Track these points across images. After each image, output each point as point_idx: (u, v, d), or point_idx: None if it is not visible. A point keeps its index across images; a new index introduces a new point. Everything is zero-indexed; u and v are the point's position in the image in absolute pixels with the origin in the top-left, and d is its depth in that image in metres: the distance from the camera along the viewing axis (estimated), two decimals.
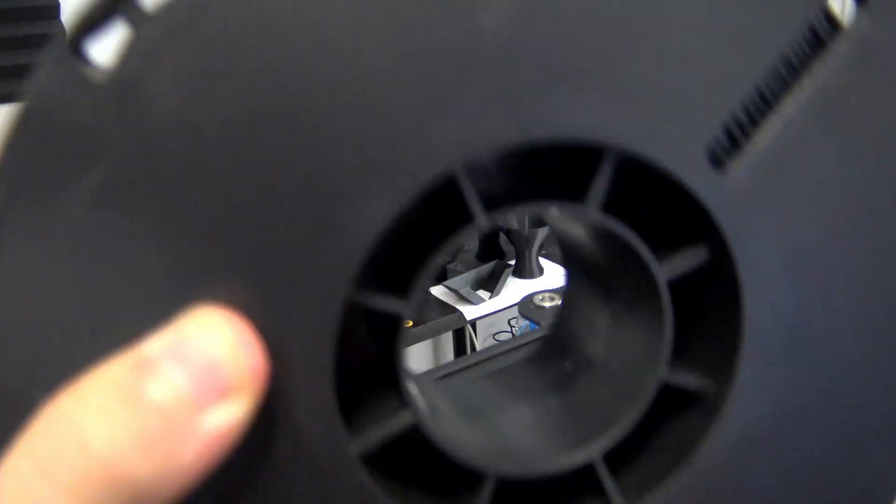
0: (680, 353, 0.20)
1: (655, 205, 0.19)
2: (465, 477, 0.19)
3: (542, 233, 1.14)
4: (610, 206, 0.18)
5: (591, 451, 0.20)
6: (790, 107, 0.18)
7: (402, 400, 0.18)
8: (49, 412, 0.14)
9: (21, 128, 0.14)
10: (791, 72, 0.18)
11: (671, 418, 0.21)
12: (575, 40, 0.16)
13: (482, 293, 1.16)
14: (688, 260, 0.19)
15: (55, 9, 1.53)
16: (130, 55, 0.14)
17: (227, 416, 0.15)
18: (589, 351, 0.23)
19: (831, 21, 0.18)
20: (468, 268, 1.21)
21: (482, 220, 0.17)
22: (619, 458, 0.21)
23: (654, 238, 0.19)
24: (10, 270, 0.15)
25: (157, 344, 0.14)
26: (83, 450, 0.14)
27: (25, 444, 0.14)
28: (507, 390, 0.24)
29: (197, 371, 0.14)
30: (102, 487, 0.14)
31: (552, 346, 0.25)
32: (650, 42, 0.17)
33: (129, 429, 0.14)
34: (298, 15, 0.14)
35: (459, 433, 0.20)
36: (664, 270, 0.19)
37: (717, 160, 0.18)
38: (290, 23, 0.14)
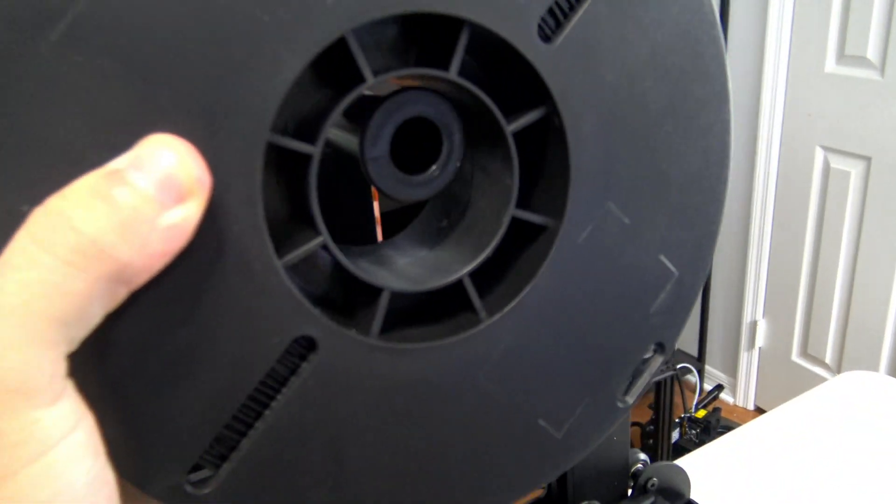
0: (527, 197, 0.26)
1: (503, 76, 0.25)
2: (365, 295, 0.25)
3: None
4: (468, 76, 0.23)
5: (461, 273, 0.26)
6: None
7: (316, 230, 0.23)
8: (40, 209, 0.18)
9: None
10: None
11: (520, 249, 0.27)
12: None
13: None
14: (527, 117, 0.25)
15: None
16: None
17: (183, 214, 0.19)
18: (462, 197, 0.29)
19: None
20: None
21: (370, 79, 0.22)
22: (484, 281, 0.27)
23: (504, 103, 0.25)
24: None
25: (122, 160, 0.18)
26: (75, 231, 0.17)
27: (25, 230, 0.17)
28: (399, 247, 0.30)
29: (157, 178, 0.18)
30: (93, 262, 0.17)
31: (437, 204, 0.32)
32: None
33: (110, 219, 0.17)
34: None
35: (361, 266, 0.25)
36: (510, 126, 0.25)
37: (545, 36, 0.24)
38: None
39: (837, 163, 1.85)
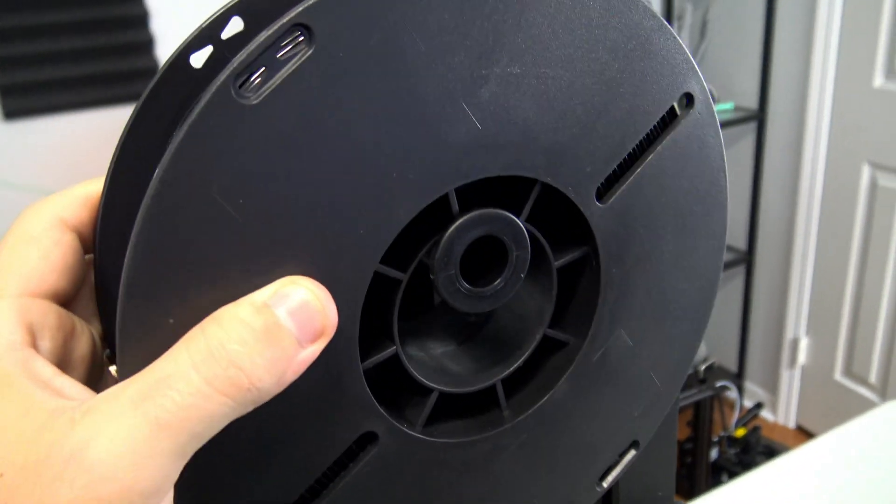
0: (555, 316, 0.31)
1: (558, 219, 0.29)
2: (418, 393, 0.29)
3: None
4: (530, 217, 0.28)
5: (495, 379, 0.30)
6: (639, 166, 0.28)
7: (392, 340, 0.27)
8: (200, 334, 0.20)
9: (190, 139, 0.20)
10: (647, 144, 0.28)
11: (545, 360, 0.32)
12: (532, 130, 0.26)
13: None
14: (571, 255, 0.30)
15: (145, 18, 1.49)
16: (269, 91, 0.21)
17: (315, 350, 0.22)
18: (497, 315, 0.33)
19: (673, 113, 0.29)
20: None
21: (459, 218, 0.26)
22: (512, 386, 0.31)
23: (551, 239, 0.29)
24: None
25: (264, 293, 0.21)
26: (234, 366, 0.20)
27: (186, 354, 0.20)
28: (430, 334, 0.34)
29: (301, 320, 0.21)
30: (243, 393, 0.20)
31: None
32: (582, 129, 0.27)
33: (263, 357, 0.20)
34: None
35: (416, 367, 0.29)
36: (556, 262, 0.29)
37: (600, 196, 0.29)
38: None
39: (885, 180, 1.81)
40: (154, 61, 1.53)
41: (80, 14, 1.47)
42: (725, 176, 0.32)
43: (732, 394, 1.96)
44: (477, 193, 0.27)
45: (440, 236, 0.26)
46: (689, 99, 0.29)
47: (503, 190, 0.28)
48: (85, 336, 0.27)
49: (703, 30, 2.11)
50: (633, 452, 0.34)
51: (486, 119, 0.25)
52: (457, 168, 0.25)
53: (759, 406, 1.94)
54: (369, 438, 0.27)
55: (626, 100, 0.28)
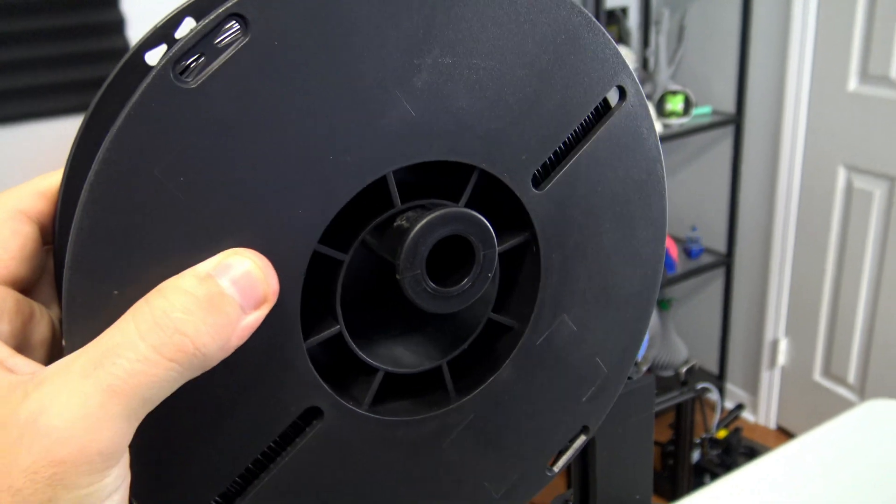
0: (499, 301, 0.32)
1: (498, 207, 0.30)
2: (362, 369, 0.30)
3: None
4: (469, 203, 0.29)
5: (442, 360, 0.31)
6: (575, 155, 0.29)
7: (336, 320, 0.28)
8: (145, 305, 0.21)
9: (131, 120, 0.22)
10: (582, 134, 0.29)
11: (490, 343, 0.33)
12: (466, 118, 0.27)
13: None
14: (512, 241, 0.31)
15: (121, 24, 1.49)
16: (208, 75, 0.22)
17: (258, 316, 0.23)
18: None
19: (606, 105, 0.30)
20: None
21: (398, 205, 0.27)
22: (459, 368, 0.32)
23: (494, 226, 0.30)
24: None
25: (207, 264, 0.22)
26: (179, 333, 0.21)
27: (133, 324, 0.21)
28: (386, 323, 0.35)
29: (243, 287, 0.22)
30: (188, 358, 0.21)
31: None
32: (516, 117, 0.28)
33: (206, 323, 0.21)
34: None
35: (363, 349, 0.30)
36: (498, 245, 0.30)
37: (536, 183, 0.30)
38: None
39: (860, 182, 1.84)
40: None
41: (55, 21, 1.47)
42: (662, 166, 0.33)
43: (713, 395, 1.98)
44: (418, 181, 0.28)
45: (382, 219, 0.27)
46: (621, 92, 0.31)
47: (443, 178, 0.29)
48: (45, 321, 0.28)
49: (680, 35, 2.13)
50: (583, 438, 0.35)
51: (420, 106, 0.26)
52: (393, 153, 0.26)
53: (739, 407, 1.95)
54: (314, 413, 0.28)
55: (557, 91, 0.29)
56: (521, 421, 0.33)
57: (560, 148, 0.30)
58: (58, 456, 0.20)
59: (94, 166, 0.21)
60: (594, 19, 0.29)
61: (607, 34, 0.29)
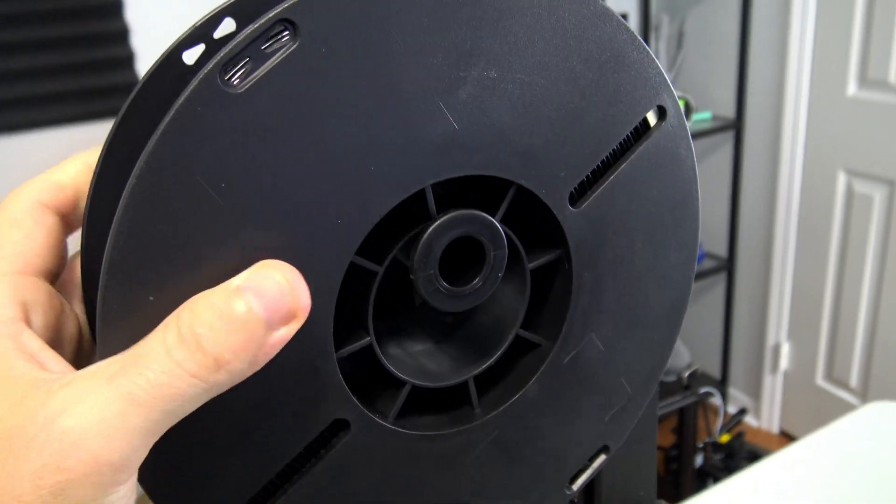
0: (527, 317, 0.31)
1: (532, 223, 0.30)
2: (391, 386, 0.29)
3: None
4: (503, 219, 0.29)
5: (468, 375, 0.31)
6: (612, 174, 0.29)
7: (367, 332, 0.28)
8: (176, 314, 0.21)
9: (175, 123, 0.21)
10: (621, 153, 0.30)
11: (517, 360, 0.32)
12: (507, 133, 0.27)
13: None
14: (545, 258, 0.31)
15: (125, 34, 1.48)
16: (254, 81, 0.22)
17: (287, 332, 0.22)
18: (473, 315, 0.34)
19: (646, 124, 0.30)
20: None
21: (436, 218, 0.27)
22: (487, 381, 0.32)
23: (526, 241, 0.30)
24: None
25: (239, 279, 0.22)
26: (202, 351, 0.21)
27: (161, 339, 0.21)
28: (410, 333, 0.34)
29: (271, 304, 0.22)
30: (213, 375, 0.21)
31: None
32: (556, 134, 0.28)
33: (230, 342, 0.21)
34: None
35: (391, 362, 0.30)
36: (530, 264, 0.30)
37: (573, 201, 0.30)
38: None
39: (861, 186, 1.84)
40: (134, 77, 1.53)
41: (59, 30, 1.47)
42: (697, 188, 0.33)
43: (716, 400, 1.98)
44: (454, 194, 0.28)
45: (416, 231, 0.27)
46: (661, 111, 0.30)
47: (480, 192, 0.28)
48: (72, 317, 0.27)
49: (679, 41, 2.14)
50: (603, 457, 0.35)
51: (462, 119, 0.26)
52: (433, 165, 0.26)
53: (742, 412, 1.95)
54: (341, 426, 0.27)
55: (599, 108, 0.29)
56: (543, 439, 0.33)
57: (598, 166, 0.30)
58: (67, 462, 0.19)
59: (136, 170, 0.21)
60: (639, 38, 0.28)
61: (651, 53, 0.29)
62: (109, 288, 0.22)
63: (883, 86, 1.72)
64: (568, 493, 0.34)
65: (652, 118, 0.30)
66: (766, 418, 2.24)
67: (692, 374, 1.62)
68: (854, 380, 1.98)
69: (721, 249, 2.19)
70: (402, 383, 0.29)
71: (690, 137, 0.32)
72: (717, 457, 1.83)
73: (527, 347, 0.32)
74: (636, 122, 0.30)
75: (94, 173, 0.28)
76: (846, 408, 1.95)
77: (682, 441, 1.63)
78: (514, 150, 0.27)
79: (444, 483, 0.31)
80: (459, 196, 0.29)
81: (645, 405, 0.35)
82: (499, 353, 0.31)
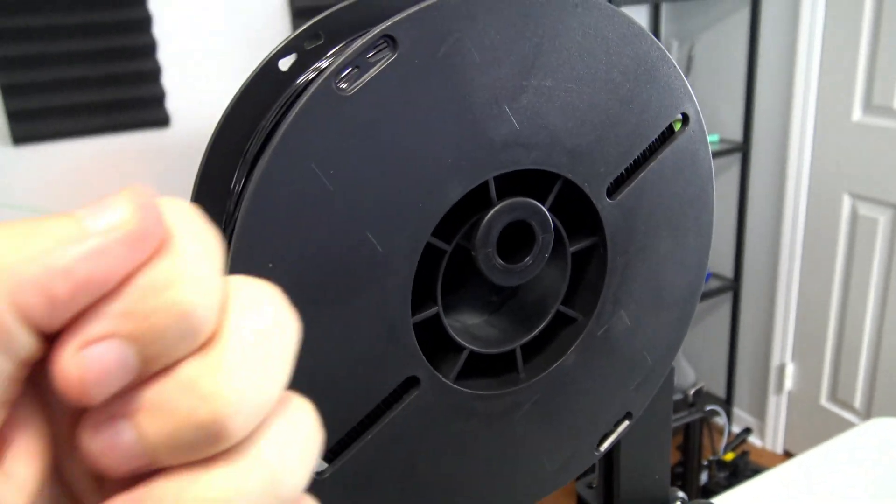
0: (568, 297, 0.36)
1: (573, 213, 0.35)
2: (450, 346, 0.34)
3: None
4: (552, 209, 0.33)
5: (516, 344, 0.35)
6: (643, 171, 0.33)
7: (436, 302, 0.32)
8: None
9: (299, 119, 0.26)
10: (650, 153, 0.34)
11: (557, 333, 0.37)
12: (558, 133, 0.31)
13: None
14: (583, 243, 0.35)
15: (153, 47, 1.53)
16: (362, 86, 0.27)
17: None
18: (519, 294, 0.38)
19: (671, 129, 0.34)
20: None
21: (496, 203, 0.31)
22: (530, 350, 0.36)
23: (567, 229, 0.34)
24: None
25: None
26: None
27: None
28: (463, 310, 0.39)
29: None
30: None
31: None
32: (598, 136, 0.32)
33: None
34: None
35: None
36: (571, 246, 0.35)
37: (610, 194, 0.34)
38: None
39: (865, 209, 1.88)
40: (161, 90, 1.58)
41: (89, 43, 1.52)
42: (713, 184, 0.38)
43: (721, 419, 2.00)
44: (509, 186, 0.32)
45: (479, 217, 0.31)
46: (685, 118, 0.35)
47: (529, 185, 0.33)
48: None
49: (688, 65, 2.19)
50: (627, 423, 0.39)
51: (523, 121, 0.30)
52: (498, 159, 0.30)
53: (747, 431, 1.97)
54: (412, 383, 0.32)
55: (634, 115, 0.33)
56: (578, 403, 0.37)
57: (630, 164, 0.34)
58: None
59: (265, 156, 0.26)
60: (668, 53, 0.33)
61: (678, 67, 0.33)
62: (238, 252, 0.26)
63: (888, 112, 1.76)
64: (596, 453, 0.38)
65: (677, 124, 0.34)
66: (771, 438, 2.26)
67: (697, 392, 1.64)
68: (858, 401, 2.00)
69: (727, 270, 2.22)
70: (462, 349, 0.34)
71: (708, 141, 0.36)
72: (722, 475, 1.85)
73: (565, 322, 0.37)
74: (664, 126, 0.35)
75: (199, 168, 0.32)
76: (850, 428, 1.97)
77: (687, 458, 1.65)
78: (564, 148, 0.32)
79: (493, 439, 0.35)
80: (514, 188, 0.33)
81: (663, 378, 0.39)
82: (542, 325, 0.36)
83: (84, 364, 0.14)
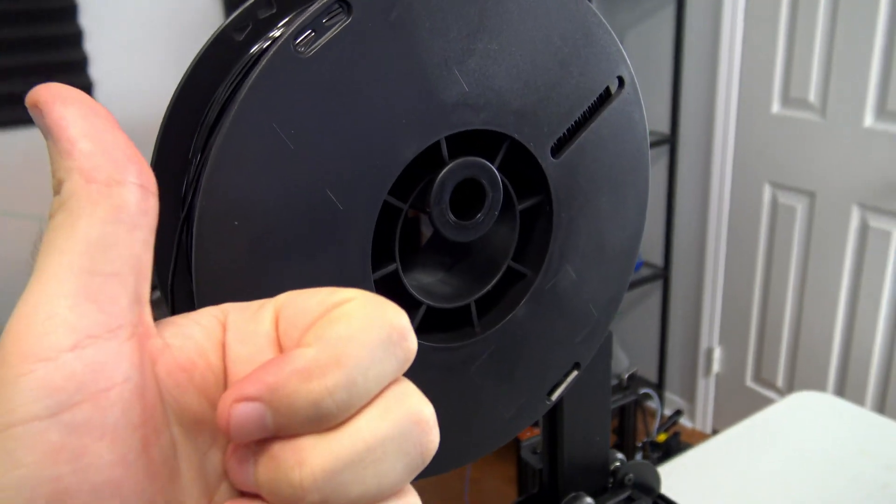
0: (517, 253, 0.38)
1: (519, 172, 0.37)
2: (408, 302, 0.35)
3: None
4: (500, 168, 0.35)
5: (470, 299, 0.37)
6: (583, 131, 0.36)
7: (394, 259, 0.34)
8: None
9: (260, 81, 0.27)
10: (589, 115, 0.36)
11: (508, 288, 0.39)
12: (505, 95, 0.33)
13: None
14: (530, 201, 0.37)
15: (79, 37, 1.49)
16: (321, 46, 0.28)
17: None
18: (468, 247, 0.40)
19: (608, 91, 0.36)
20: None
21: (448, 163, 0.33)
22: (484, 305, 0.38)
23: (515, 187, 0.36)
24: None
25: None
26: None
27: None
28: (421, 268, 0.40)
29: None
30: None
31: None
32: (541, 97, 0.34)
33: None
34: None
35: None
36: (519, 206, 0.37)
37: (553, 153, 0.36)
38: None
39: (784, 198, 1.98)
40: (88, 79, 1.54)
41: (14, 33, 1.47)
42: (648, 145, 0.40)
43: (653, 403, 2.07)
44: (460, 147, 0.34)
45: (432, 177, 0.33)
46: (620, 81, 0.37)
47: (479, 146, 0.35)
48: None
49: None
50: (575, 373, 0.42)
51: (471, 83, 0.32)
52: (449, 120, 0.32)
53: (678, 413, 2.05)
54: None
55: (573, 77, 0.36)
56: (530, 354, 0.39)
57: (572, 125, 0.36)
58: None
59: (229, 116, 0.27)
60: (603, 19, 0.35)
61: (612, 32, 0.36)
62: (204, 208, 0.27)
63: (803, 104, 1.86)
64: (548, 402, 0.40)
65: (612, 87, 0.37)
66: (700, 419, 2.35)
67: (631, 376, 1.70)
68: (780, 380, 2.11)
69: (658, 258, 2.30)
70: (420, 304, 0.35)
71: (642, 103, 0.39)
72: (655, 455, 1.92)
73: (516, 277, 0.39)
74: (601, 89, 0.37)
75: (158, 135, 0.33)
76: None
77: (623, 440, 1.71)
78: (510, 109, 0.34)
79: (451, 389, 0.37)
80: (463, 148, 0.35)
81: (607, 328, 0.41)
82: (493, 281, 0.38)
83: (233, 413, 0.18)
